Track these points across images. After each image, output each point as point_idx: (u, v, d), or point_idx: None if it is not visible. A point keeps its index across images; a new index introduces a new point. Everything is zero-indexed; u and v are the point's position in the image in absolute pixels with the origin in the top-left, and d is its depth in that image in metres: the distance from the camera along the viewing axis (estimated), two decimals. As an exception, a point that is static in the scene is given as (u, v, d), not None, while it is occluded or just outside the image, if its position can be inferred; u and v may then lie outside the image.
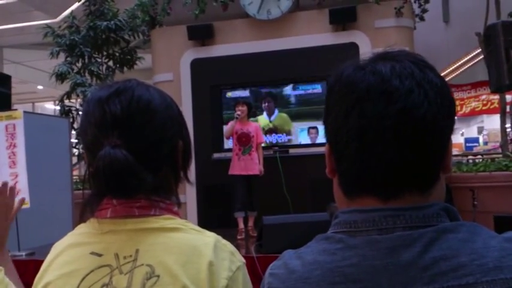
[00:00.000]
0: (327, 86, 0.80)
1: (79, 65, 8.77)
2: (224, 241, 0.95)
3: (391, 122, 0.71)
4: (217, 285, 0.86)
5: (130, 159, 0.88)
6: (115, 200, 0.92)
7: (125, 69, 9.04)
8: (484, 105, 10.33)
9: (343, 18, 6.80)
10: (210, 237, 0.93)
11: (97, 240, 0.92)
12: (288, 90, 7.11)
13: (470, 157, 8.41)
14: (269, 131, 7.09)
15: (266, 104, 7.13)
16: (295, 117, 7.03)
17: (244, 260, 0.94)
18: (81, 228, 0.97)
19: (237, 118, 5.39)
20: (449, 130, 0.75)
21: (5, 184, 1.24)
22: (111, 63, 9.00)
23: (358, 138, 0.73)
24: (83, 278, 0.88)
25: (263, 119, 7.12)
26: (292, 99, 7.11)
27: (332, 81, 0.79)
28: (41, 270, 0.96)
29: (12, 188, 1.27)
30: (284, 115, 7.10)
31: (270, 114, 7.14)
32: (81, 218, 0.96)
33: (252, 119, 6.58)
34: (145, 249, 0.89)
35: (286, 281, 0.74)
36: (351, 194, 0.77)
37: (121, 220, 0.92)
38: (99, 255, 0.90)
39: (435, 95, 0.72)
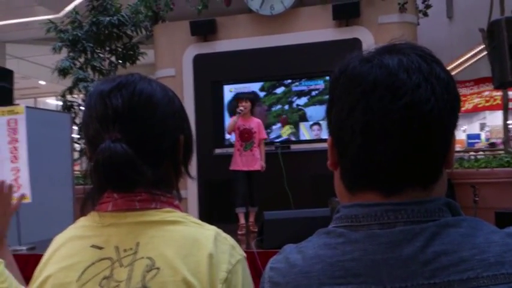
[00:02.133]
0: (332, 77, 0.79)
1: (81, 60, 8.77)
2: (224, 234, 0.95)
3: (397, 117, 0.70)
4: (216, 277, 0.86)
5: (129, 153, 0.88)
6: (116, 193, 0.92)
7: (128, 64, 9.04)
8: (487, 101, 10.31)
9: (346, 14, 6.78)
10: (210, 231, 0.93)
11: (98, 233, 0.92)
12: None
13: (472, 153, 8.40)
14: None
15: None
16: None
17: (244, 254, 0.94)
18: (82, 221, 0.97)
19: (239, 113, 5.39)
20: (454, 125, 0.75)
21: (1, 182, 1.28)
22: (113, 58, 9.00)
23: (362, 132, 0.72)
24: (84, 271, 0.89)
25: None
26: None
27: (337, 73, 0.78)
28: (41, 263, 0.96)
29: (11, 185, 1.31)
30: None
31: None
32: (82, 211, 0.96)
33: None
34: (145, 242, 0.89)
35: (287, 275, 0.74)
36: (353, 188, 0.77)
37: (122, 213, 0.92)
38: (100, 248, 0.90)
39: (442, 90, 0.72)
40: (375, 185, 0.74)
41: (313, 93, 7.01)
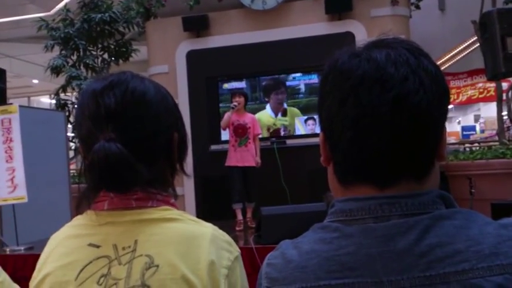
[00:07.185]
0: (322, 73, 0.80)
1: (74, 58, 8.74)
2: (221, 231, 0.95)
3: (386, 110, 0.71)
4: (217, 274, 0.87)
5: (124, 152, 0.87)
6: (112, 192, 0.92)
7: (120, 61, 9.01)
8: (481, 93, 10.32)
9: (338, 8, 6.78)
10: (207, 228, 0.94)
11: (95, 232, 0.92)
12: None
13: (467, 145, 8.43)
14: (274, 132, 6.99)
15: (279, 96, 7.03)
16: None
17: (239, 250, 0.95)
18: (78, 220, 0.97)
19: (233, 109, 5.40)
20: (444, 118, 0.75)
21: None
22: (106, 55, 8.97)
23: (353, 126, 0.73)
24: (82, 269, 0.89)
25: (266, 116, 7.01)
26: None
27: (327, 68, 0.79)
28: (39, 262, 0.96)
29: None
30: (294, 110, 7.01)
31: (277, 110, 7.05)
32: (77, 210, 0.96)
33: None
34: (144, 239, 0.90)
35: (283, 270, 0.74)
36: (346, 182, 0.77)
37: (118, 212, 0.92)
38: (97, 246, 0.91)
39: (430, 83, 0.72)
40: (368, 179, 0.74)
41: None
